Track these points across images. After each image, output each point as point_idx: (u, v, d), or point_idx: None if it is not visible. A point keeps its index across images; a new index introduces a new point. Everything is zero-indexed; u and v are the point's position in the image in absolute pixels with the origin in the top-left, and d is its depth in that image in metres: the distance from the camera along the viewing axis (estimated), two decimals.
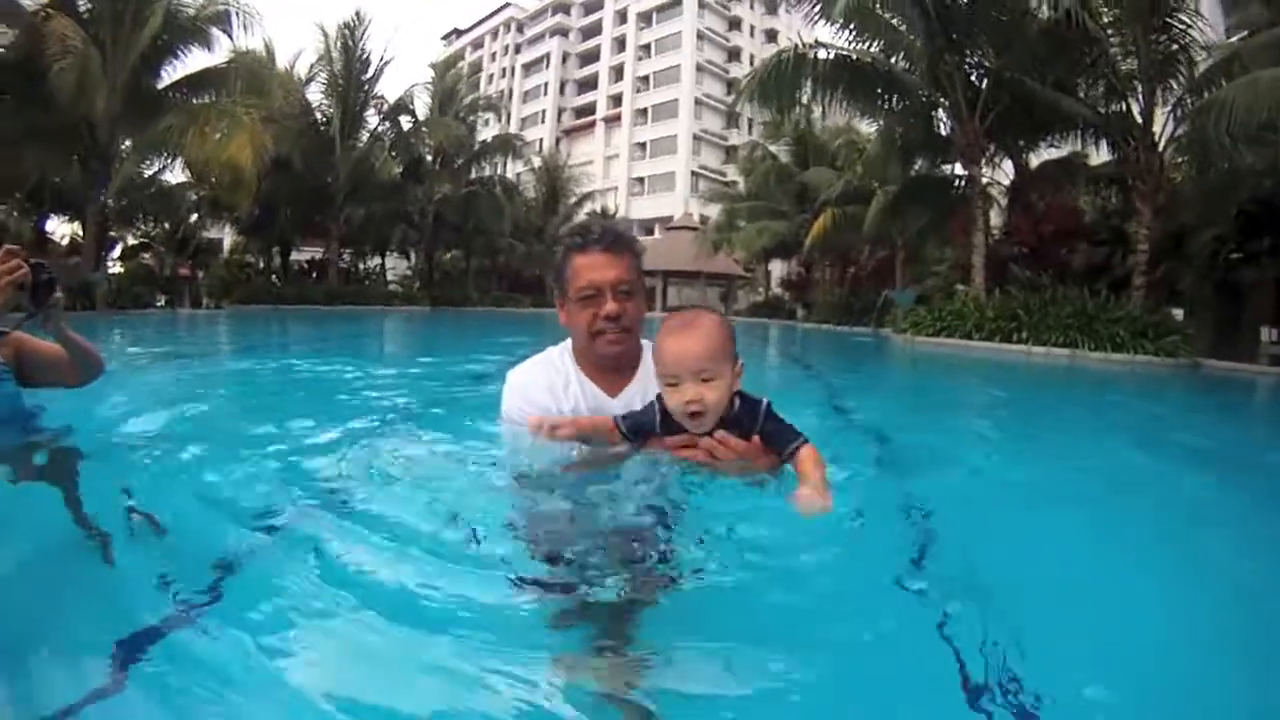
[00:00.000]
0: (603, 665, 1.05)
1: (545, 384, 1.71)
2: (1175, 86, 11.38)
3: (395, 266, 32.60)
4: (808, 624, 1.22)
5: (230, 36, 15.59)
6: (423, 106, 26.00)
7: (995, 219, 16.13)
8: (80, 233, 17.48)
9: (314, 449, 2.33)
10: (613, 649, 1.08)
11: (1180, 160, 12.20)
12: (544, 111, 63.91)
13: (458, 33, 77.25)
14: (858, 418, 3.98)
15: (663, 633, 1.12)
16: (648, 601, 1.19)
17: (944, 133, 14.33)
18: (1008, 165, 15.91)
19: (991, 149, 14.12)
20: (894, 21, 12.94)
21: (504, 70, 69.80)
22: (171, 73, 15.53)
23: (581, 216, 33.97)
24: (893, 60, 13.40)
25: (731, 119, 50.79)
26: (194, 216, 21.35)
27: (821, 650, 1.14)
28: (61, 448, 1.94)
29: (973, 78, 12.96)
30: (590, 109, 61.64)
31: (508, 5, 70.59)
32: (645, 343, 1.72)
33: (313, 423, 2.85)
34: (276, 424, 2.74)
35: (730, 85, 50.39)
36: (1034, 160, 15.71)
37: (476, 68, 64.91)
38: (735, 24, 57.32)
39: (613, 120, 58.54)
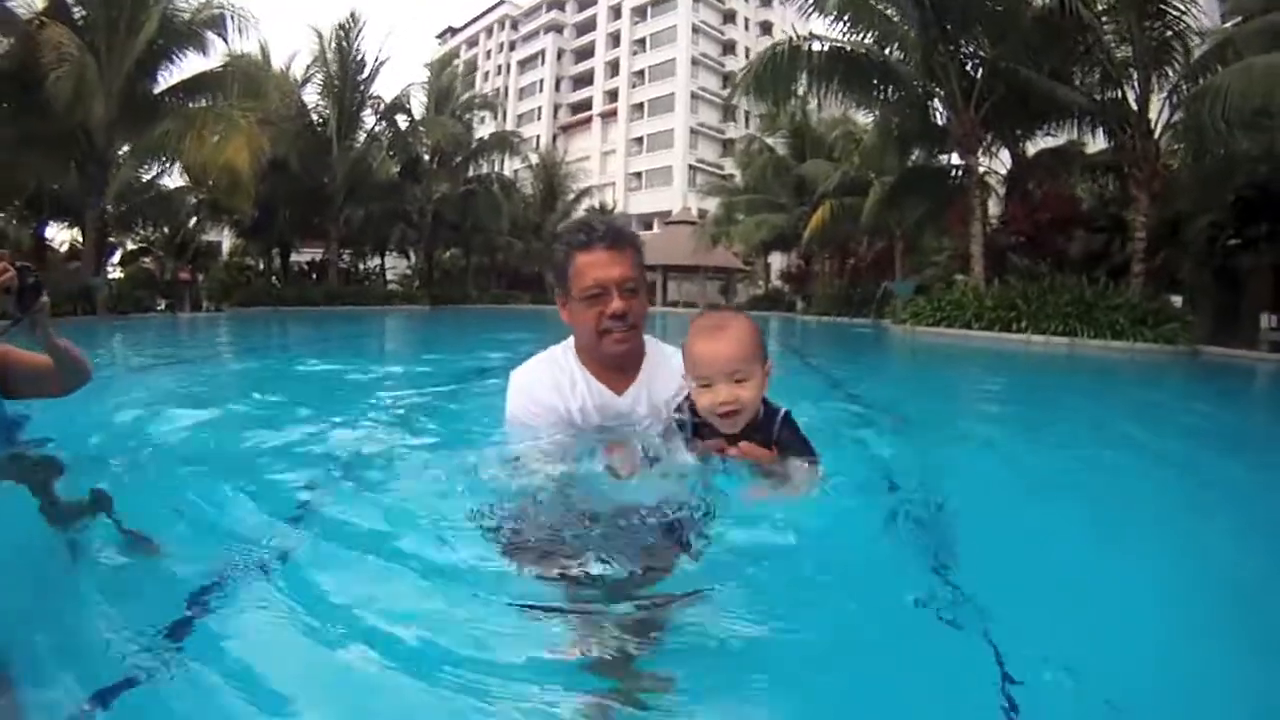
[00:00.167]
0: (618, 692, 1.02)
1: (551, 383, 1.68)
2: (1170, 73, 11.39)
3: (395, 266, 32.55)
4: (809, 624, 1.23)
5: (225, 40, 15.58)
6: (419, 106, 25.94)
7: (993, 208, 16.12)
8: (80, 239, 17.46)
9: (314, 457, 2.32)
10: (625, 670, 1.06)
11: (1176, 147, 12.21)
12: (540, 108, 63.74)
13: (452, 31, 77.01)
14: (856, 407, 4.02)
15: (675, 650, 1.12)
16: (657, 625, 1.16)
17: (940, 123, 14.34)
18: (1004, 154, 15.93)
19: (988, 138, 14.14)
20: (888, 12, 12.96)
21: (499, 67, 69.61)
22: (167, 77, 15.54)
23: (580, 213, 33.90)
24: (887, 51, 13.42)
25: (728, 112, 50.80)
26: (193, 220, 21.33)
27: (821, 651, 1.16)
28: (42, 457, 1.89)
29: (968, 67, 12.97)
30: (586, 105, 61.45)
31: (502, 3, 70.29)
32: (647, 339, 1.71)
33: (313, 428, 2.83)
34: (274, 429, 2.74)
35: (726, 79, 50.20)
36: (1030, 149, 15.73)
37: (472, 66, 64.62)
38: (730, 17, 57.06)
39: (609, 116, 58.37)
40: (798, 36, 12.59)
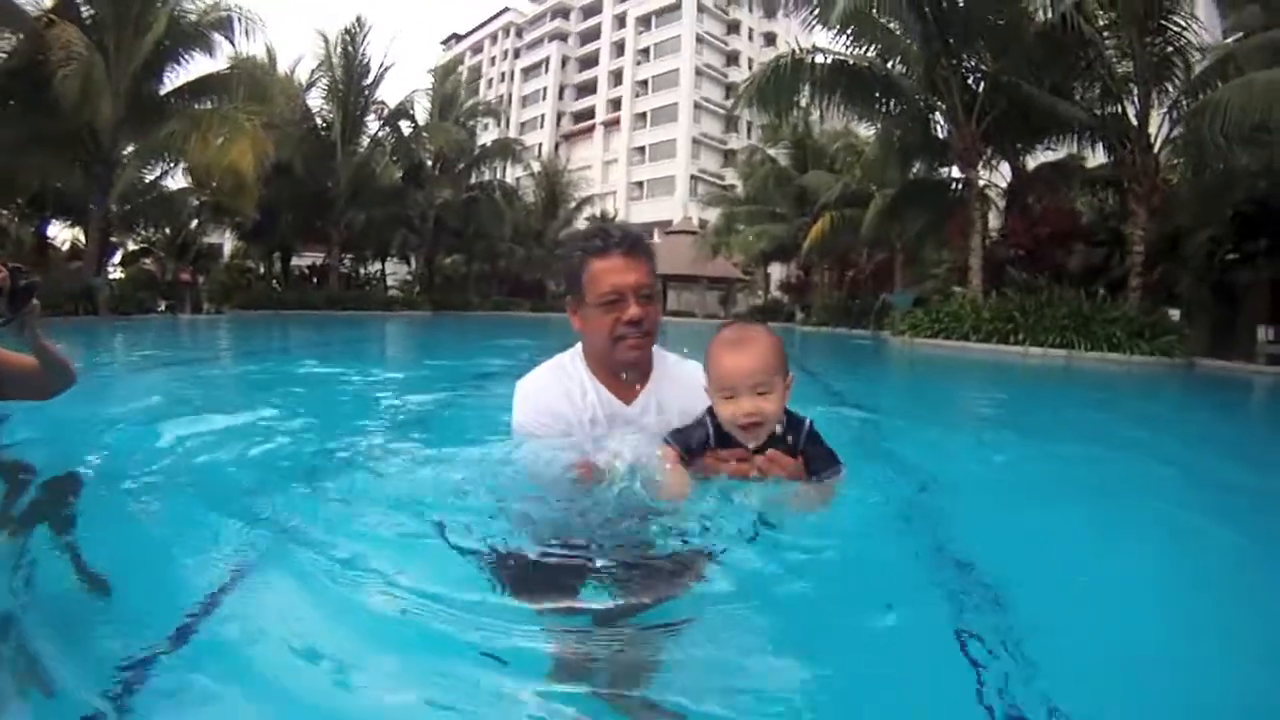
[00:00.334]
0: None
1: (561, 391, 1.63)
2: (1171, 89, 11.46)
3: (396, 271, 32.61)
4: (808, 624, 1.24)
5: (232, 42, 15.75)
6: (423, 112, 26.13)
7: (993, 221, 16.18)
8: (82, 238, 17.52)
9: (314, 459, 2.31)
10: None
11: (1176, 162, 12.27)
12: (543, 116, 63.99)
13: (457, 37, 77.45)
14: (855, 417, 4.02)
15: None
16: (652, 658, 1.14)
17: (941, 136, 14.42)
18: (1005, 168, 16.01)
19: (988, 152, 14.21)
20: (891, 26, 13.05)
21: (503, 75, 69.92)
22: (174, 78, 15.65)
23: (581, 221, 34.03)
24: (890, 64, 13.51)
25: (730, 123, 50.91)
26: (195, 222, 21.38)
27: (822, 649, 1.17)
28: (13, 462, 1.88)
29: (969, 81, 13.05)
30: (589, 113, 61.70)
31: (507, 10, 70.77)
32: (655, 349, 1.66)
33: (314, 434, 2.81)
34: (272, 433, 2.72)
35: (729, 89, 50.42)
36: (1031, 163, 15.82)
37: (476, 73, 64.93)
38: (734, 28, 57.40)
39: (612, 124, 58.58)
40: (801, 49, 12.69)
